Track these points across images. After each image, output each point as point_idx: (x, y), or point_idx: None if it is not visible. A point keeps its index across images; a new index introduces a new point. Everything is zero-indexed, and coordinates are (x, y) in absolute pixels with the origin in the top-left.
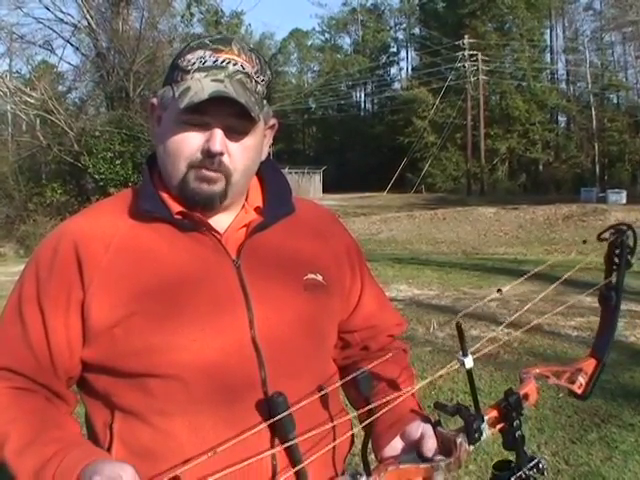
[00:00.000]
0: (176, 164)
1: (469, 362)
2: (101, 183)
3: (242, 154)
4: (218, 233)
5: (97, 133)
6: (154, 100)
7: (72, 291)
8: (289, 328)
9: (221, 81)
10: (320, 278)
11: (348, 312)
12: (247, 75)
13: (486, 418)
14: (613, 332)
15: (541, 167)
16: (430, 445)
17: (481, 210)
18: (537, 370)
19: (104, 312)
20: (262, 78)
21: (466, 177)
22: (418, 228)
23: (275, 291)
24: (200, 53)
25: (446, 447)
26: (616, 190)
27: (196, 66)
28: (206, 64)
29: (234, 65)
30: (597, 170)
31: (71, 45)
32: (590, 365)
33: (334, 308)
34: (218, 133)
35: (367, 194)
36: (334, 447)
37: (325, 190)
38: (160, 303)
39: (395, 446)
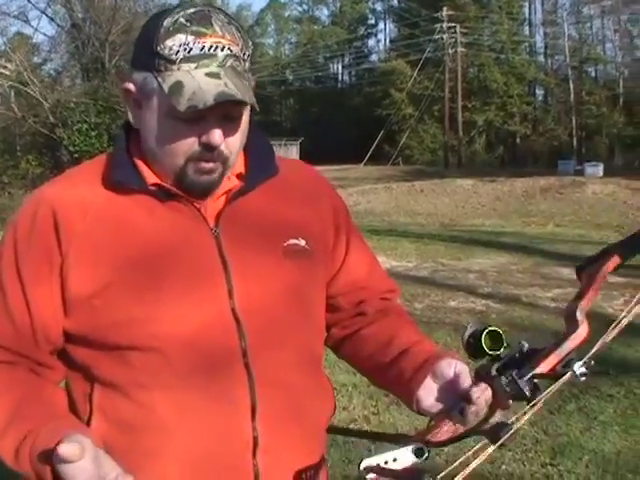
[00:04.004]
0: (172, 158)
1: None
2: (76, 155)
3: (237, 137)
4: (197, 202)
5: (72, 105)
6: (130, 86)
7: (52, 259)
8: (270, 297)
9: (216, 75)
10: (303, 243)
11: (332, 275)
12: (236, 57)
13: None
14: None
15: (519, 140)
16: (467, 383)
17: (459, 182)
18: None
19: (82, 283)
20: (247, 53)
21: (443, 149)
22: (396, 200)
23: (255, 259)
24: (182, 38)
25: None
26: (593, 163)
27: (181, 55)
28: (192, 53)
29: (222, 50)
30: (574, 143)
31: (46, 16)
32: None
33: (319, 273)
34: (217, 130)
35: (344, 166)
36: (315, 419)
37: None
38: (139, 274)
39: (430, 387)
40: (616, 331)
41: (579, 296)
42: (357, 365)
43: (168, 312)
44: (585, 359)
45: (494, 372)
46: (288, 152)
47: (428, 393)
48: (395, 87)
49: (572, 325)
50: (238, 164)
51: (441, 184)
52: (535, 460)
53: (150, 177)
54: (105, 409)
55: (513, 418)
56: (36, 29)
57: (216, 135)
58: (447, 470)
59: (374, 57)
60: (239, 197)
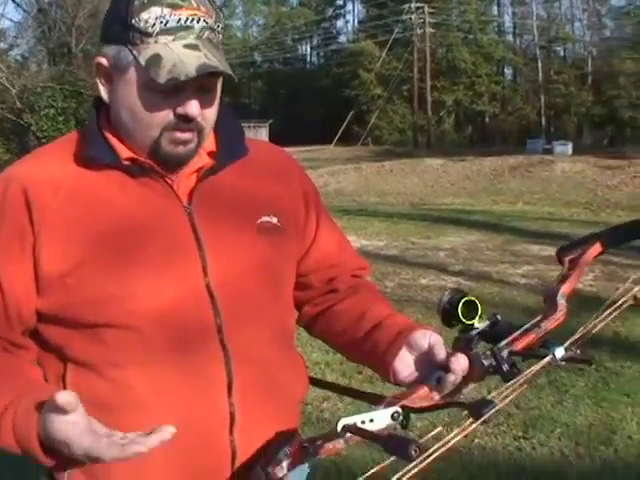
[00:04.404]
0: (147, 130)
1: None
2: (44, 140)
3: (211, 108)
4: (169, 179)
5: (39, 90)
6: (102, 60)
7: (24, 238)
8: (244, 273)
9: (195, 46)
10: (275, 220)
11: (302, 252)
12: (212, 29)
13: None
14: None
15: (487, 119)
16: (443, 354)
17: (428, 162)
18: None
19: (55, 261)
20: (220, 26)
21: (413, 129)
22: (365, 180)
23: (229, 236)
24: (157, 11)
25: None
26: (562, 142)
27: (158, 28)
28: (169, 25)
29: (198, 22)
30: (543, 122)
31: (12, 1)
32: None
33: (290, 251)
34: (194, 101)
35: (314, 147)
36: (289, 394)
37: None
38: (112, 251)
39: (405, 358)
40: (603, 323)
41: (561, 280)
42: (331, 342)
43: (142, 288)
44: (566, 344)
45: (474, 344)
46: (257, 134)
47: (404, 364)
48: (364, 68)
49: (552, 307)
50: (209, 142)
51: (410, 164)
52: (507, 434)
53: (123, 151)
54: (79, 389)
55: (493, 393)
56: (2, 15)
57: (193, 106)
58: (424, 439)
59: (342, 38)
60: (211, 175)
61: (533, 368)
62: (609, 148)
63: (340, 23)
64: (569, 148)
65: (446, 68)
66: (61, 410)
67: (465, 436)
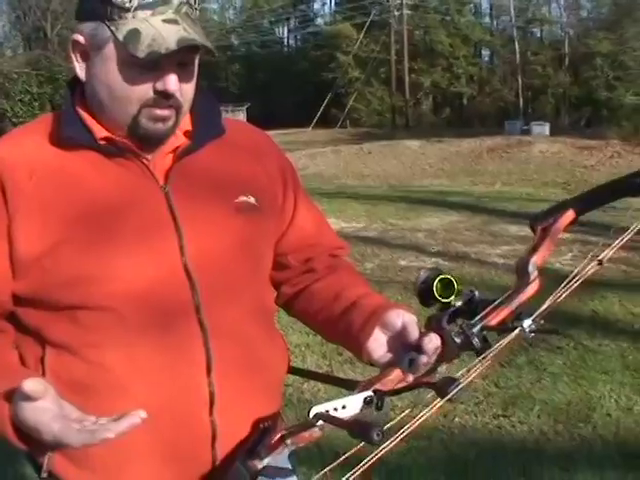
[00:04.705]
0: (125, 106)
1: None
2: None
3: (190, 85)
4: (145, 159)
5: (14, 75)
6: (79, 37)
7: (0, 220)
8: (222, 252)
9: (174, 21)
10: (253, 200)
11: (281, 232)
12: (189, 5)
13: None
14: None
15: (465, 101)
16: (416, 333)
17: (406, 144)
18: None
19: (31, 242)
20: (197, 1)
21: (391, 112)
22: (344, 163)
23: (206, 215)
24: None
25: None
26: (540, 122)
27: (136, 3)
28: (147, 0)
29: None
30: (521, 103)
31: None
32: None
33: (268, 230)
34: (173, 75)
35: (292, 130)
36: (271, 372)
37: None
38: (88, 232)
39: (379, 338)
40: (567, 292)
41: (532, 250)
42: (308, 322)
43: (119, 269)
44: (534, 316)
45: (445, 323)
46: (235, 117)
47: (378, 344)
48: (341, 50)
49: (523, 279)
50: (185, 122)
51: (389, 146)
52: (487, 412)
53: (99, 131)
54: (58, 371)
55: (463, 370)
56: None
57: (172, 81)
58: (394, 422)
59: (320, 21)
60: (187, 155)
61: (502, 342)
62: (586, 129)
63: (317, 5)
64: (547, 129)
65: (423, 50)
66: (29, 397)
67: (445, 415)
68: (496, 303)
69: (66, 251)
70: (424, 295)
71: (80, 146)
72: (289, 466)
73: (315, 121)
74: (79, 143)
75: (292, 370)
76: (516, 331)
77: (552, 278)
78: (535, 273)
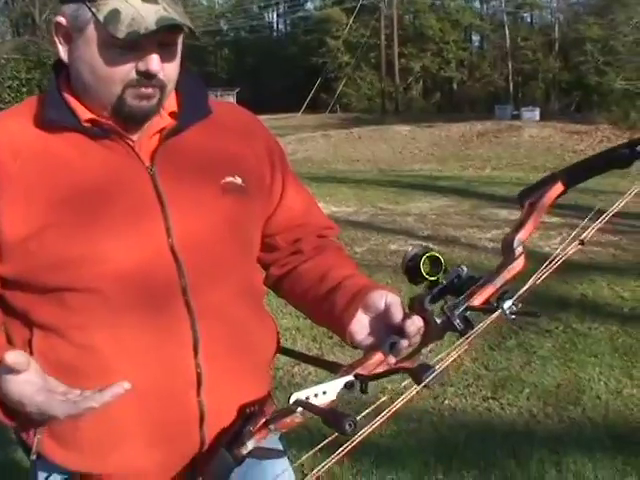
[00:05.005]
0: (109, 87)
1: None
2: None
3: (173, 64)
4: (131, 140)
5: (2, 61)
6: (61, 19)
7: None
8: (209, 233)
9: (154, 1)
10: (239, 181)
11: (269, 213)
12: None
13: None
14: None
15: (455, 86)
16: (399, 315)
17: (396, 128)
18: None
19: (16, 225)
20: None
21: (381, 96)
22: (334, 147)
23: (192, 196)
24: None
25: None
26: (530, 108)
27: None
28: None
29: None
30: (511, 88)
31: None
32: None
33: (255, 211)
34: (155, 55)
35: (282, 115)
36: (259, 353)
37: None
38: (74, 214)
39: (362, 320)
40: (548, 272)
41: (518, 226)
42: (296, 303)
43: (104, 251)
44: (515, 298)
45: (427, 304)
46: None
47: (361, 326)
48: (331, 35)
49: (509, 256)
50: (171, 103)
51: (379, 130)
52: (477, 394)
53: (83, 113)
54: (46, 353)
55: (442, 354)
56: None
57: (154, 61)
58: (367, 411)
59: (309, 5)
60: (173, 136)
61: (481, 324)
62: (576, 114)
63: None
64: (537, 114)
65: (413, 35)
66: (13, 370)
67: (435, 398)
68: (480, 282)
69: (51, 234)
70: (411, 272)
71: (65, 128)
72: (280, 447)
73: (305, 106)
74: (63, 125)
75: (281, 350)
76: (496, 313)
77: (540, 261)
78: (520, 249)
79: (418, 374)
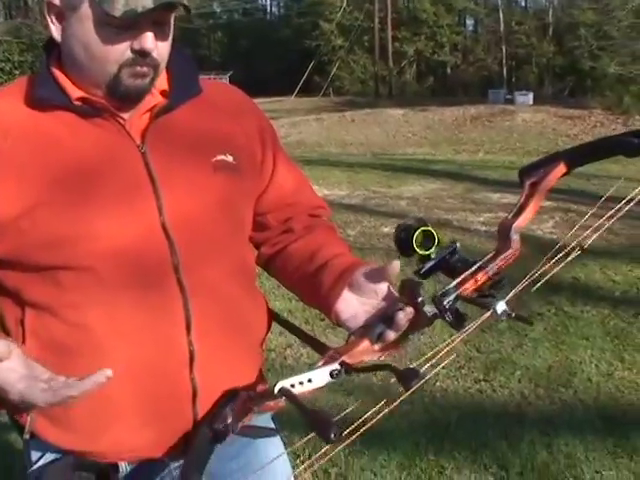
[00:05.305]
0: (104, 66)
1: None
2: None
3: (166, 44)
4: (122, 118)
5: None
6: None
7: None
8: (201, 212)
9: None
10: (231, 159)
11: (260, 191)
12: None
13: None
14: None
15: (449, 70)
16: (385, 293)
17: (389, 112)
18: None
19: (8, 204)
20: None
21: (374, 80)
22: (327, 130)
23: (183, 174)
24: None
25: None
26: (523, 92)
27: None
28: None
29: None
30: (505, 72)
31: None
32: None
33: (247, 189)
34: (149, 33)
35: (275, 98)
36: (251, 331)
37: None
38: (66, 193)
39: (348, 299)
40: (545, 279)
41: (518, 212)
42: (286, 282)
43: (96, 229)
44: (507, 298)
45: (418, 293)
46: None
47: (346, 305)
48: (324, 18)
49: (505, 244)
50: (162, 81)
51: (372, 114)
52: (468, 376)
53: (74, 92)
54: (38, 332)
55: (430, 353)
56: None
57: (149, 39)
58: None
59: None
60: (164, 114)
61: (471, 325)
62: (570, 98)
63: None
64: (530, 98)
65: (407, 18)
66: None
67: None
68: (473, 269)
69: (43, 212)
70: (403, 245)
71: (55, 107)
72: (271, 425)
73: (298, 89)
74: (54, 104)
75: (274, 316)
76: (487, 314)
77: (533, 245)
78: (517, 239)
79: (406, 380)
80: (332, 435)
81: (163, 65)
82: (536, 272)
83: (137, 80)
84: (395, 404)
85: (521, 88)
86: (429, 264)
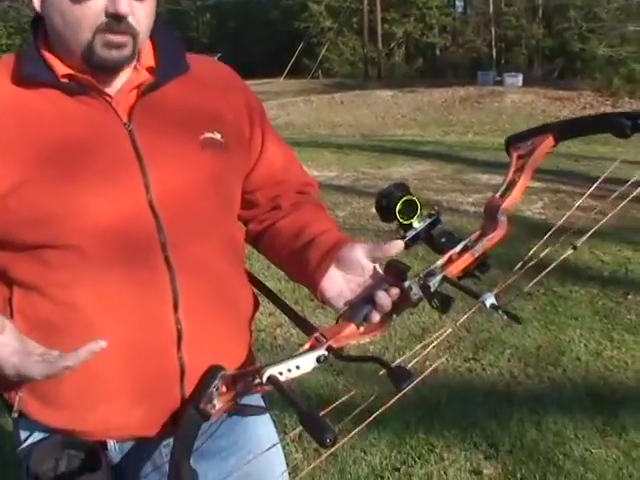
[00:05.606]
0: (79, 32)
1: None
2: None
3: (145, 12)
4: (108, 96)
5: None
6: None
7: None
8: (188, 189)
9: None
10: (218, 136)
11: (249, 168)
12: None
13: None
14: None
15: (438, 51)
16: (371, 268)
17: (379, 93)
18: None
19: None
20: None
21: (363, 62)
22: (316, 112)
23: (171, 152)
24: None
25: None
26: (512, 73)
27: None
28: None
29: None
30: (494, 54)
31: None
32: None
33: (235, 166)
34: None
35: (264, 80)
36: (240, 309)
37: None
38: (52, 170)
39: (334, 276)
40: (540, 277)
41: (505, 190)
42: (274, 259)
43: (83, 207)
44: (495, 291)
45: (404, 276)
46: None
47: (331, 283)
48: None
49: (491, 224)
50: (148, 58)
51: (361, 95)
52: (458, 355)
53: (60, 69)
54: (26, 312)
55: (418, 346)
56: None
57: (123, 3)
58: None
59: None
60: (151, 91)
61: (460, 320)
62: (559, 80)
63: None
64: (519, 80)
65: (396, 0)
66: None
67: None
68: (459, 249)
69: (30, 190)
70: (384, 212)
71: (41, 84)
72: (261, 403)
73: (287, 71)
74: (40, 81)
75: (257, 284)
76: (475, 307)
77: (522, 226)
78: (504, 220)
79: (398, 381)
80: (327, 440)
81: (143, 36)
82: (529, 260)
83: (112, 51)
84: (391, 402)
85: (510, 70)
86: (412, 233)
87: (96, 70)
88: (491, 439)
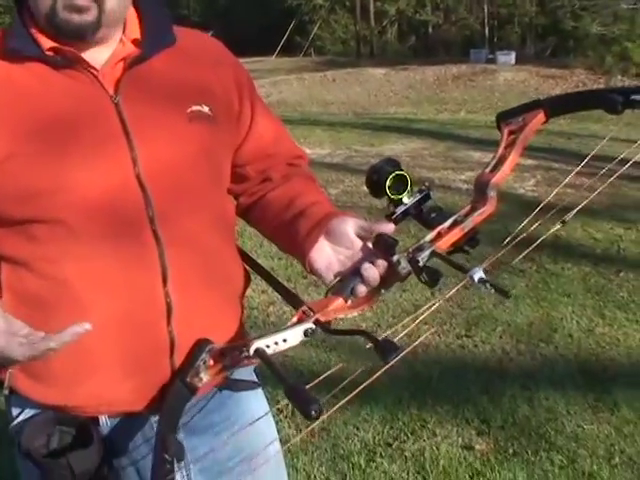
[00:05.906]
0: None
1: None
2: None
3: None
4: (94, 69)
5: None
6: None
7: None
8: (176, 163)
9: None
10: (206, 109)
11: (238, 142)
12: None
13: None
14: None
15: (431, 29)
16: (360, 241)
17: (371, 71)
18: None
19: None
20: None
21: (355, 40)
22: (308, 90)
23: (158, 125)
24: None
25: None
26: (505, 52)
27: None
28: None
29: None
30: (487, 32)
31: None
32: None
33: (224, 139)
34: None
35: (256, 58)
36: (231, 283)
37: None
38: (39, 144)
39: (322, 248)
40: (528, 251)
41: (496, 165)
42: (264, 231)
43: (70, 181)
44: (483, 265)
45: (392, 251)
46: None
47: (320, 254)
48: None
49: (481, 199)
50: (134, 30)
51: (353, 73)
52: (450, 332)
53: (45, 42)
54: (14, 287)
55: (407, 318)
56: None
57: None
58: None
59: None
60: (137, 64)
61: (449, 294)
62: (552, 58)
63: None
64: (512, 58)
65: None
66: None
67: (409, 336)
68: (448, 223)
69: (16, 164)
70: (374, 187)
71: (27, 58)
72: (254, 377)
73: (279, 49)
74: (26, 55)
75: (249, 261)
76: (464, 281)
77: (515, 204)
78: (494, 196)
79: (384, 353)
80: (312, 412)
81: (110, 3)
82: (517, 236)
83: (73, 14)
84: (378, 374)
85: (503, 48)
86: (402, 209)
87: (57, 34)
88: (483, 415)
